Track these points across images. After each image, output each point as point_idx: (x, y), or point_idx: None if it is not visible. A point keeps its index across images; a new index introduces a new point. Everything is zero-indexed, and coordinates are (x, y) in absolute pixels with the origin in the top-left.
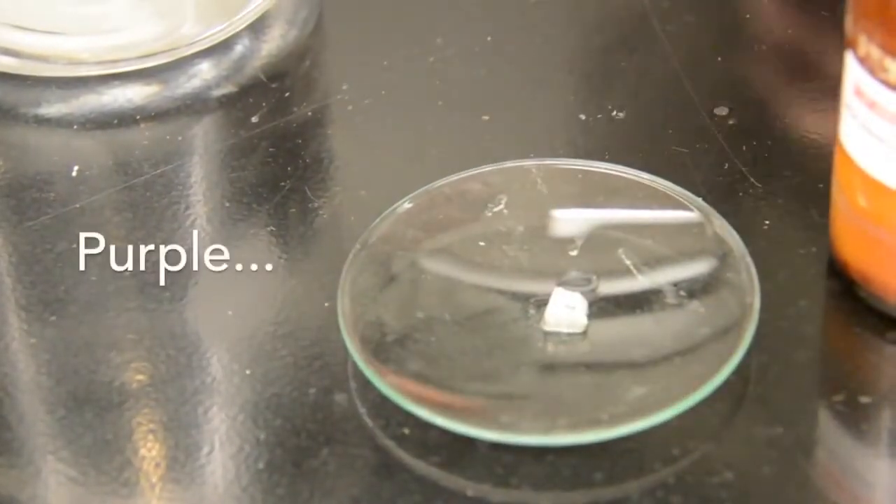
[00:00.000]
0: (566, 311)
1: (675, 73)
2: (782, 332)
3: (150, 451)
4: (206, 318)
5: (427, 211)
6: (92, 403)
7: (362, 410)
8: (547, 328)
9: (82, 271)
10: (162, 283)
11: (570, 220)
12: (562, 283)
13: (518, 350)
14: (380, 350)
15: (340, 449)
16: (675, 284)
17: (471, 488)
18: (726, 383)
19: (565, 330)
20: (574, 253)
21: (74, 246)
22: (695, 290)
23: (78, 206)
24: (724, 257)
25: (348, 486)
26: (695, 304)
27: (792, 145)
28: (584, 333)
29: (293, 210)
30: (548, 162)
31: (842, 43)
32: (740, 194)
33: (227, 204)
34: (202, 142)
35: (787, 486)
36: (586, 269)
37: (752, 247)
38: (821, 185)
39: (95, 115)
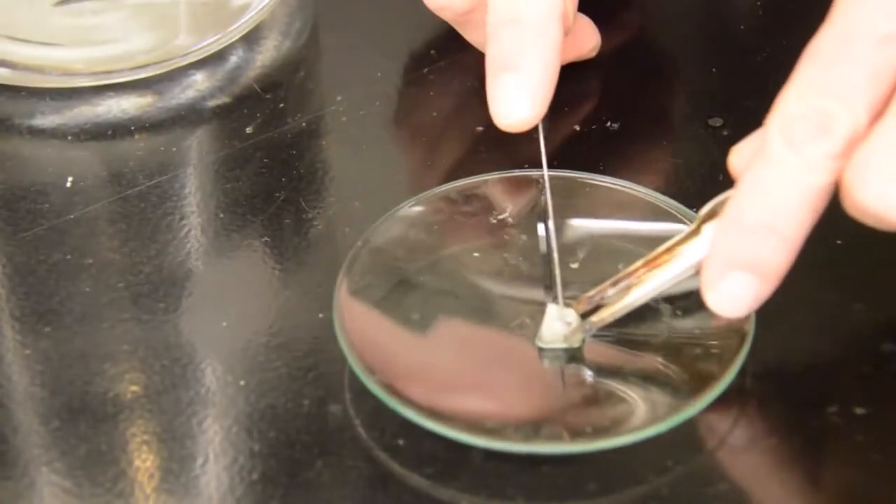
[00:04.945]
0: (562, 326)
1: (670, 83)
2: (777, 344)
3: (144, 462)
4: (200, 329)
5: (425, 218)
6: (86, 414)
7: (357, 422)
8: (542, 344)
9: (76, 282)
10: (156, 294)
11: (572, 232)
12: (556, 299)
13: (513, 360)
14: (375, 356)
15: (335, 460)
16: (670, 300)
17: (465, 499)
18: (721, 395)
19: (560, 345)
20: (575, 265)
21: (69, 257)
22: (690, 306)
23: (72, 216)
24: None
25: (342, 497)
26: (690, 321)
27: None
28: (579, 348)
29: (287, 221)
30: (552, 173)
31: None
32: None
33: (222, 215)
34: (196, 153)
35: (782, 497)
36: (588, 282)
37: None
38: None
39: (90, 125)
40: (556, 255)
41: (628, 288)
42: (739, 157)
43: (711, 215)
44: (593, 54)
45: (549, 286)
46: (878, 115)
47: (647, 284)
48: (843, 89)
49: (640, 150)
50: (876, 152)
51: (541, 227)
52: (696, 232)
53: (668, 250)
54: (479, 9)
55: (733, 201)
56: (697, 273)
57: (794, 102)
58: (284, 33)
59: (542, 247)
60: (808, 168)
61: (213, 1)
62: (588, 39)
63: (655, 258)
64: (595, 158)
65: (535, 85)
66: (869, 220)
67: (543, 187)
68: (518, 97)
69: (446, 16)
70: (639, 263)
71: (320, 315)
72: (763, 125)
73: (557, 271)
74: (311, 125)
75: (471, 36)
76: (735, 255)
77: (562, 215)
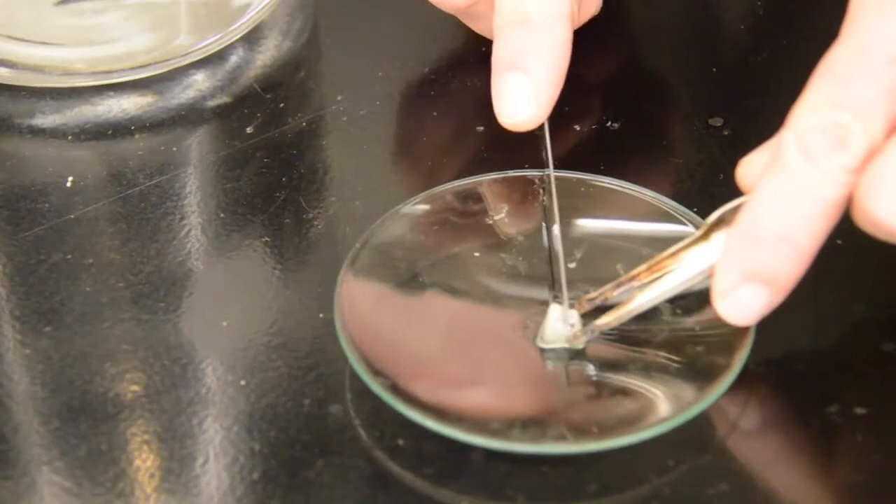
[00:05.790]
0: (564, 326)
1: (670, 83)
2: (778, 344)
3: (144, 461)
4: (200, 329)
5: (426, 218)
6: (86, 414)
7: (357, 422)
8: (543, 344)
9: (77, 282)
10: (156, 293)
11: (569, 232)
12: (558, 299)
13: (514, 360)
14: (376, 356)
15: (335, 460)
16: (671, 300)
17: (465, 500)
18: (722, 394)
19: (562, 345)
20: (573, 265)
21: (69, 257)
22: (690, 305)
23: (73, 216)
24: None
25: (342, 497)
26: (690, 320)
27: None
28: (581, 348)
29: (288, 221)
30: (553, 173)
31: None
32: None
33: (222, 214)
34: (197, 152)
35: (783, 497)
36: (585, 281)
37: None
38: None
39: (90, 125)
40: (561, 256)
41: (633, 291)
42: (748, 168)
43: (720, 223)
44: (596, 13)
45: (552, 286)
46: (891, 130)
47: (655, 289)
48: (859, 104)
49: (640, 150)
50: (889, 166)
51: (544, 228)
52: (704, 238)
53: (674, 255)
54: (482, 1)
55: (747, 211)
56: (705, 279)
57: (809, 116)
58: (285, 33)
59: (544, 247)
60: (825, 181)
61: (213, 1)
62: (590, 2)
63: (660, 262)
64: (595, 158)
65: (542, 85)
66: (880, 234)
67: (548, 187)
68: (524, 96)
69: (448, 9)
70: (643, 267)
71: (321, 315)
72: (773, 136)
73: (563, 272)
74: (312, 125)
75: (476, 26)
76: (748, 266)
77: (560, 215)
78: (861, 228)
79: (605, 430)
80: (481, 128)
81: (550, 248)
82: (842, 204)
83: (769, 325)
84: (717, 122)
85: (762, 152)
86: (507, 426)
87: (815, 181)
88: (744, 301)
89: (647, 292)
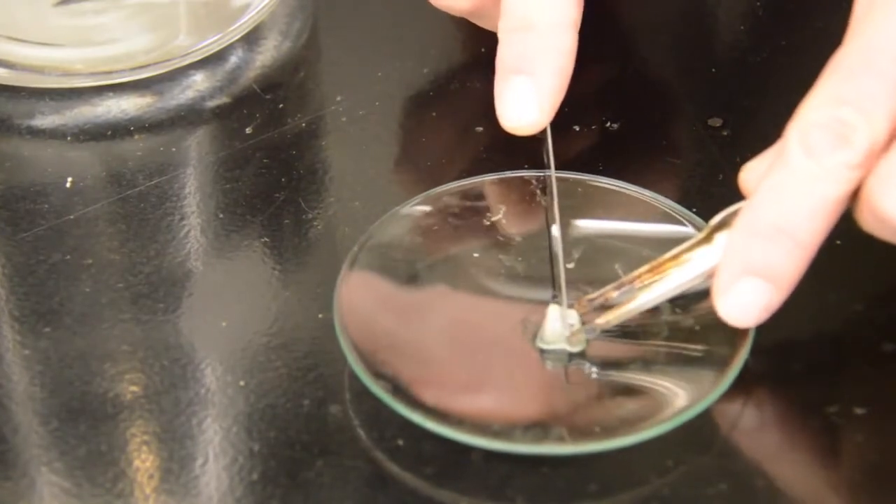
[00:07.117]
0: (563, 327)
1: (670, 83)
2: (777, 344)
3: (144, 462)
4: (200, 330)
5: (425, 218)
6: (86, 415)
7: (356, 422)
8: (543, 345)
9: (76, 282)
10: (156, 294)
11: (567, 232)
12: (557, 300)
13: (514, 360)
14: (376, 356)
15: (334, 460)
16: (671, 300)
17: (465, 500)
18: (722, 394)
19: (562, 346)
20: (571, 265)
21: (69, 257)
22: (689, 305)
23: (72, 217)
24: None
25: (342, 497)
26: (690, 320)
27: None
28: (580, 349)
29: (287, 221)
30: (550, 174)
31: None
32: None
33: (221, 215)
34: (196, 153)
35: (783, 497)
36: (583, 281)
37: None
38: None
39: (89, 126)
40: (561, 257)
41: (633, 292)
42: (751, 174)
43: (723, 225)
44: None
45: (551, 287)
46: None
47: (655, 290)
48: (863, 101)
49: (640, 150)
50: None
51: (545, 229)
52: (707, 240)
53: (675, 257)
54: (486, 4)
55: (748, 207)
56: (705, 279)
57: (813, 112)
58: (284, 33)
59: (544, 247)
60: (826, 177)
61: (213, 1)
62: None
63: (662, 264)
64: (594, 159)
65: (546, 90)
66: (884, 232)
67: (549, 189)
68: (527, 100)
69: (453, 11)
70: (644, 268)
71: (320, 315)
72: (772, 136)
73: (563, 273)
74: (311, 125)
75: (483, 23)
76: (748, 260)
77: (559, 215)
78: (863, 227)
79: (606, 430)
80: (481, 128)
81: (550, 248)
82: (843, 200)
83: (769, 324)
84: (716, 122)
85: (765, 157)
86: (508, 427)
87: (817, 177)
88: (744, 297)
89: (648, 292)
